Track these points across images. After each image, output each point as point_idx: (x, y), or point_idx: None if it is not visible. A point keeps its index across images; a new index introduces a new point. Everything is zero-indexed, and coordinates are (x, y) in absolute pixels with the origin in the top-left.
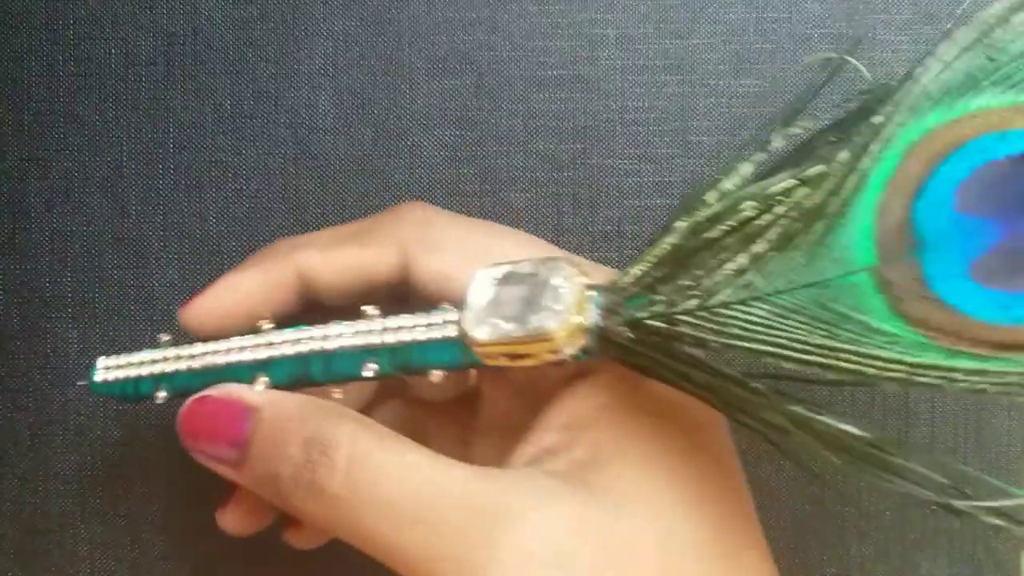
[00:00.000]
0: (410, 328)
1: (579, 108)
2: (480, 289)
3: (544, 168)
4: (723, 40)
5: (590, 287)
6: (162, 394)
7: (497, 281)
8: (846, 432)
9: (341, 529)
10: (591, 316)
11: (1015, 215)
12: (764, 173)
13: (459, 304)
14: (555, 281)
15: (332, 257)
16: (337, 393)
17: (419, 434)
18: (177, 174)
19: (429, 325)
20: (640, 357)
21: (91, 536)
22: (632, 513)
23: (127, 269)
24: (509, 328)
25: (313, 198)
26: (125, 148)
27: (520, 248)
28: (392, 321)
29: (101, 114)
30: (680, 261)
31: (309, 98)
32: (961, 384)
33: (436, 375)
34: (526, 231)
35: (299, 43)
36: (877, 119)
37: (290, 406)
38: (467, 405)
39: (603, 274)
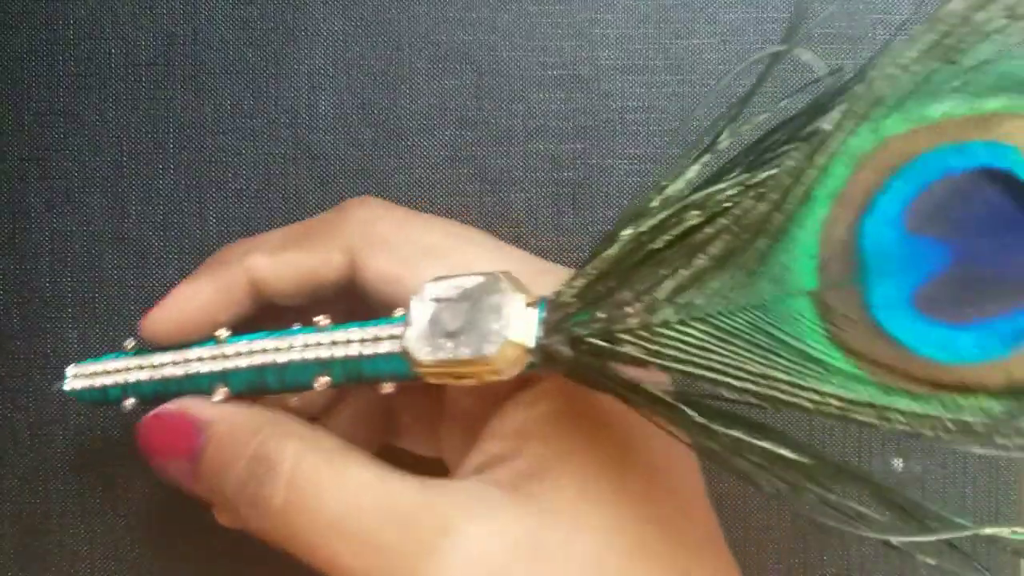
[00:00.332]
0: (358, 342)
1: (579, 108)
2: (423, 306)
3: (544, 168)
4: (723, 40)
5: (531, 304)
6: (130, 401)
7: (440, 299)
8: (783, 456)
9: (286, 544)
10: (531, 337)
11: (968, 238)
12: (711, 177)
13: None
14: (495, 300)
15: (280, 261)
16: (294, 400)
17: (392, 421)
18: (177, 174)
19: (376, 339)
20: (582, 374)
21: (91, 536)
22: (571, 527)
23: (127, 269)
24: (449, 350)
25: (313, 198)
26: (125, 148)
27: (465, 246)
28: (341, 334)
29: (101, 114)
30: (623, 274)
31: (309, 98)
32: (899, 425)
33: (387, 387)
34: (526, 231)
35: (299, 43)
36: (826, 126)
37: (240, 421)
38: (438, 395)
39: (553, 277)
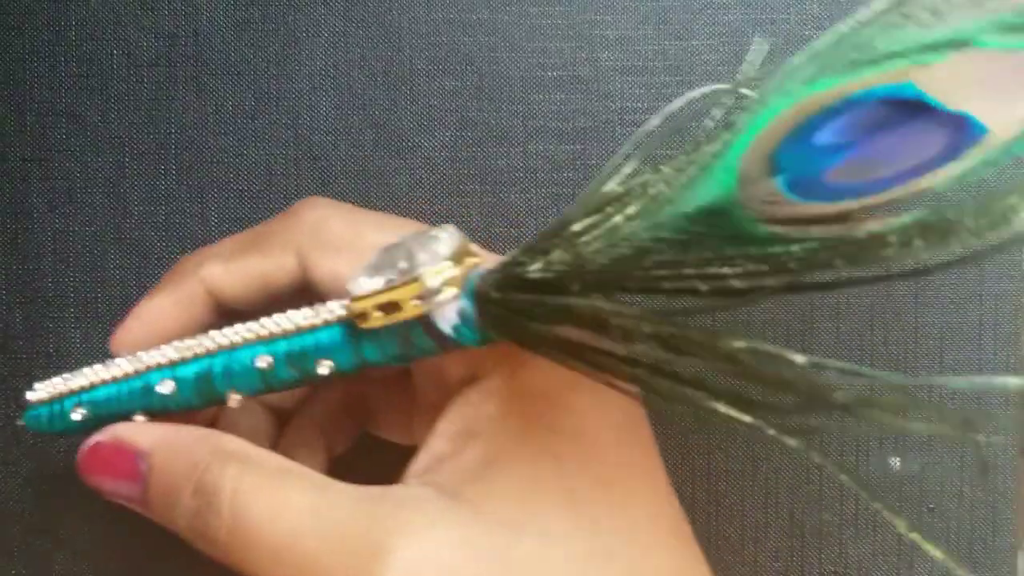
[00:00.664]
0: (300, 320)
1: (579, 109)
2: (367, 260)
3: (544, 168)
4: (723, 41)
5: (471, 254)
6: (78, 414)
7: (382, 249)
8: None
9: (237, 570)
10: (465, 273)
11: (872, 137)
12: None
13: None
14: (436, 235)
15: (234, 268)
16: (233, 401)
17: (368, 412)
18: (179, 175)
19: (317, 316)
20: (519, 326)
21: (94, 535)
22: (512, 533)
23: (129, 269)
24: (383, 277)
25: None
26: (127, 149)
27: None
28: (283, 316)
29: (103, 115)
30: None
31: (310, 99)
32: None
33: (324, 367)
34: (526, 231)
35: (300, 44)
36: (752, 96)
37: (180, 446)
38: (409, 386)
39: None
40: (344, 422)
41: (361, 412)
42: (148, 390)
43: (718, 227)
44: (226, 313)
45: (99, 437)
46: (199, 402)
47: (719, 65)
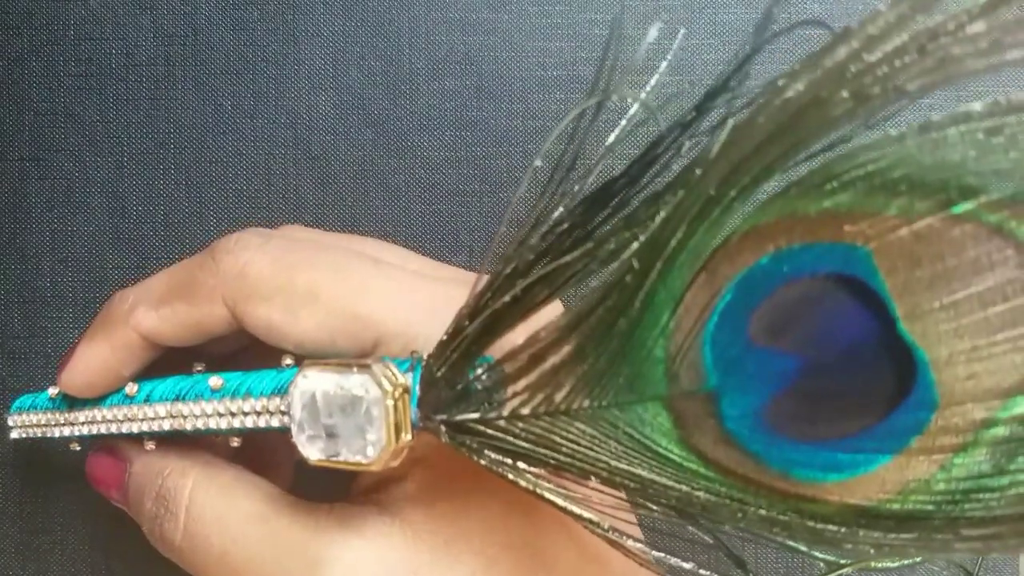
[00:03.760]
0: (253, 415)
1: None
2: (303, 399)
3: (544, 168)
4: (723, 40)
5: (404, 393)
6: (75, 446)
7: (317, 394)
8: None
9: (193, 574)
10: (408, 429)
11: (814, 351)
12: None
13: (297, 361)
14: (368, 404)
15: (164, 317)
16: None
17: None
18: (178, 174)
19: (266, 412)
20: (469, 453)
21: (92, 536)
22: (450, 553)
23: (128, 269)
24: (333, 452)
25: (313, 198)
26: (126, 148)
27: (347, 284)
28: (236, 404)
29: (102, 114)
30: (487, 339)
31: (309, 99)
32: (755, 525)
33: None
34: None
35: (299, 44)
36: (661, 214)
37: (154, 458)
38: None
39: (441, 319)
40: None
41: None
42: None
43: (651, 440)
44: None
45: (97, 450)
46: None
47: (719, 64)
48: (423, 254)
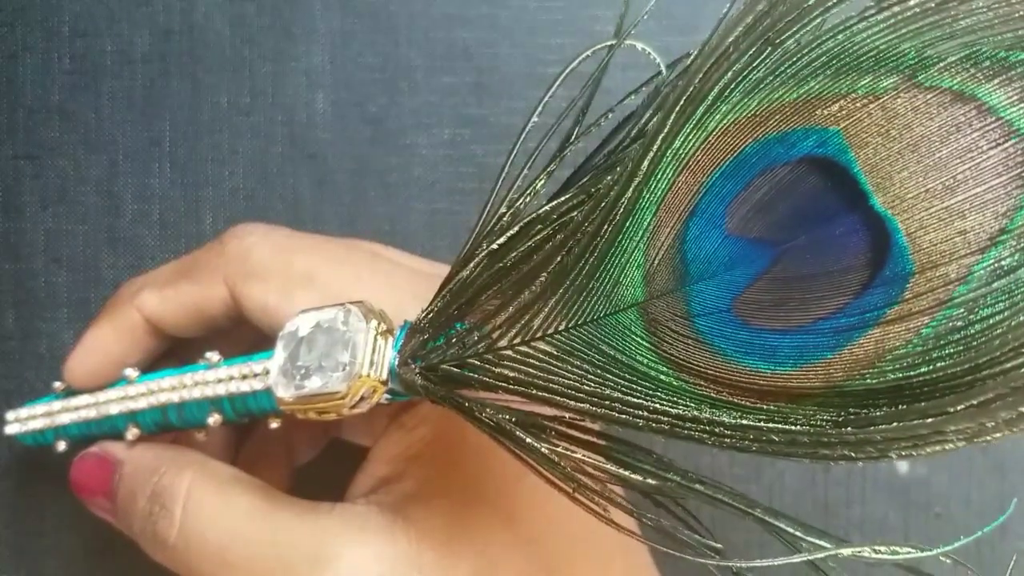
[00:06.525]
0: (238, 379)
1: (580, 106)
2: (287, 343)
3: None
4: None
5: (385, 333)
6: (61, 445)
7: (300, 334)
8: (630, 479)
9: (184, 574)
10: (384, 369)
11: (785, 234)
12: (561, 187)
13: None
14: (350, 333)
15: (168, 297)
16: (200, 435)
17: (336, 420)
18: (173, 172)
19: (252, 375)
20: (442, 399)
21: (86, 539)
22: (450, 551)
23: (122, 269)
24: (306, 386)
25: (310, 196)
26: (120, 146)
27: (343, 270)
28: (224, 371)
29: (96, 111)
30: (475, 295)
31: (306, 96)
32: (726, 440)
33: (274, 422)
34: None
35: (296, 40)
36: (650, 125)
37: (147, 458)
38: None
39: (422, 285)
40: (306, 431)
41: (328, 422)
42: (116, 428)
43: (624, 353)
44: (169, 338)
45: (87, 451)
46: (159, 432)
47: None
48: (421, 252)
